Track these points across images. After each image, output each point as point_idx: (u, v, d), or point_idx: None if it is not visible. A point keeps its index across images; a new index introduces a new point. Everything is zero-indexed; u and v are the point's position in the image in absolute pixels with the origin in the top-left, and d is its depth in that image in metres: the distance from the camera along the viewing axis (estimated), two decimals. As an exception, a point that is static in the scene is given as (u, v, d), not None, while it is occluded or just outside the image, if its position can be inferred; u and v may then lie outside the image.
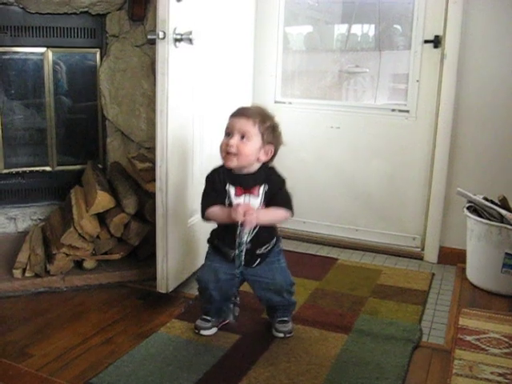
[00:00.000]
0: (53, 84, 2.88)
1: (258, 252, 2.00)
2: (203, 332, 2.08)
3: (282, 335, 2.08)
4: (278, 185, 1.97)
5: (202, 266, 2.12)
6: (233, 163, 1.91)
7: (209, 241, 2.10)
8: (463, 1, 2.66)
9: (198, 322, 2.10)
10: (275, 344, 2.03)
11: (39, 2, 2.67)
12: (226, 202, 1.94)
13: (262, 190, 1.94)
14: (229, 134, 1.91)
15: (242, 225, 1.86)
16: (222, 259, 2.03)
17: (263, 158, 1.95)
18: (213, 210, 1.95)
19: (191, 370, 1.84)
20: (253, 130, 1.89)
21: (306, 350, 2.00)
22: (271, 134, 1.94)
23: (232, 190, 1.94)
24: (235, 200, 1.93)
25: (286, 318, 2.11)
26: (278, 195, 1.95)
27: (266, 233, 1.99)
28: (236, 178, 1.95)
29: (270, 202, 1.94)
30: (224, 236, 1.99)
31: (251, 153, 1.91)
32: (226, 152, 1.90)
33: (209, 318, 2.10)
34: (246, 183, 1.94)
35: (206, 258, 2.11)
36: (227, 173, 1.96)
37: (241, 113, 1.93)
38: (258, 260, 2.02)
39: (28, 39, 2.76)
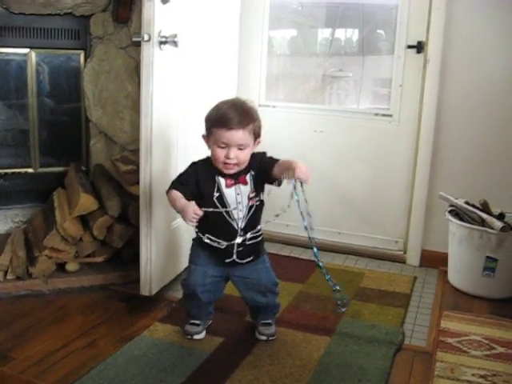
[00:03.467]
0: (36, 85, 2.86)
1: (248, 236, 1.98)
2: (196, 336, 2.07)
3: (264, 338, 2.08)
4: (259, 158, 1.99)
5: (188, 270, 2.11)
6: (233, 171, 1.93)
7: (195, 240, 2.09)
8: (446, 7, 2.69)
9: (189, 328, 2.09)
10: (258, 347, 2.03)
11: (23, 2, 2.64)
12: (215, 193, 1.94)
13: (249, 176, 1.96)
14: (224, 146, 1.90)
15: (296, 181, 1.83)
16: (208, 261, 2.02)
17: (253, 150, 1.98)
18: (177, 194, 1.93)
19: (175, 373, 1.83)
20: (248, 137, 1.91)
21: (289, 352, 2.00)
22: (259, 127, 1.96)
23: (222, 181, 1.95)
24: (226, 191, 1.95)
25: (269, 321, 2.11)
26: (266, 159, 1.99)
27: (255, 218, 2.01)
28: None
29: (265, 171, 1.96)
30: (214, 229, 1.98)
31: (248, 157, 1.95)
32: (224, 163, 1.91)
33: (198, 321, 2.10)
34: (234, 174, 1.95)
35: (190, 262, 2.09)
36: (215, 166, 1.96)
37: (234, 124, 1.87)
38: (251, 257, 2.02)
39: (11, 40, 2.73)
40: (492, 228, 2.47)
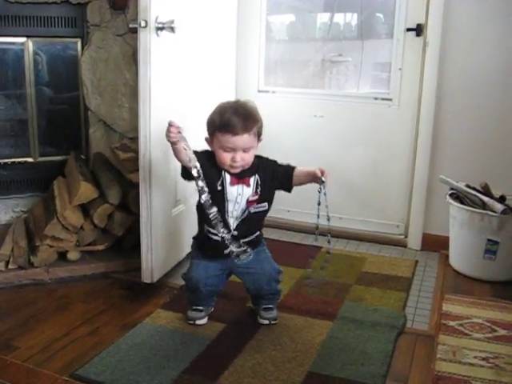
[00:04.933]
0: (34, 74, 2.84)
1: (242, 241, 2.01)
2: (199, 322, 2.08)
3: (266, 322, 2.09)
4: (272, 166, 2.03)
5: (190, 265, 2.12)
6: (238, 170, 1.95)
7: (195, 239, 2.12)
8: (445, -11, 2.67)
9: (191, 314, 2.09)
10: (261, 332, 2.04)
11: (19, -10, 2.63)
12: (218, 186, 1.95)
13: (253, 180, 1.97)
14: (230, 150, 1.91)
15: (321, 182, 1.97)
16: (210, 256, 2.04)
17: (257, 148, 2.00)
18: (182, 148, 1.92)
19: (177, 359, 1.84)
20: (253, 140, 1.94)
21: (291, 337, 2.01)
22: (261, 127, 1.98)
23: (228, 177, 1.95)
24: (229, 188, 1.95)
25: (270, 306, 2.12)
26: (279, 169, 2.03)
27: (254, 224, 2.04)
28: None
29: (283, 181, 2.02)
30: (211, 221, 1.98)
31: (253, 156, 1.97)
32: (230, 165, 1.92)
33: (200, 307, 2.10)
34: (240, 173, 1.96)
35: (192, 257, 2.12)
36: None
37: (240, 129, 1.89)
38: (247, 249, 2.03)
39: (8, 29, 2.71)
40: (493, 211, 2.46)
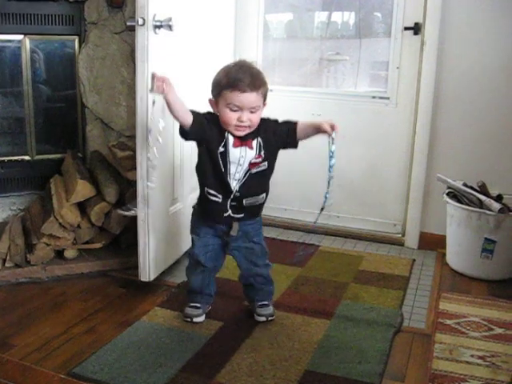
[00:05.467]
0: (31, 72, 2.84)
1: (244, 202, 1.99)
2: (196, 319, 2.08)
3: (263, 319, 2.10)
4: (272, 127, 1.99)
5: (191, 241, 2.12)
6: (244, 133, 1.92)
7: (195, 208, 2.11)
8: (442, -13, 2.67)
9: (189, 311, 2.10)
10: (258, 330, 2.04)
11: (16, -12, 2.63)
12: (221, 147, 1.93)
13: (255, 142, 1.95)
14: (236, 109, 1.88)
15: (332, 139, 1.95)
16: (208, 231, 2.04)
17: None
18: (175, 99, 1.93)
19: (174, 357, 1.84)
20: (260, 100, 1.91)
21: (288, 335, 2.01)
22: (267, 89, 1.96)
23: (231, 138, 1.93)
24: (232, 149, 1.93)
25: (266, 302, 2.13)
26: (281, 128, 2.00)
27: (256, 184, 2.00)
28: None
29: (287, 138, 2.00)
30: (212, 183, 1.97)
31: (259, 119, 1.94)
32: (236, 125, 1.90)
33: (198, 304, 2.10)
34: (242, 136, 1.94)
35: (192, 232, 2.11)
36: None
37: (248, 87, 1.86)
38: (244, 214, 2.01)
39: (5, 26, 2.70)
40: (490, 210, 2.46)
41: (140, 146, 2.20)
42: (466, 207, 2.54)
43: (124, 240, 2.61)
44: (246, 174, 1.96)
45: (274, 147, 1.99)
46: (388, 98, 2.96)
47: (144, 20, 2.06)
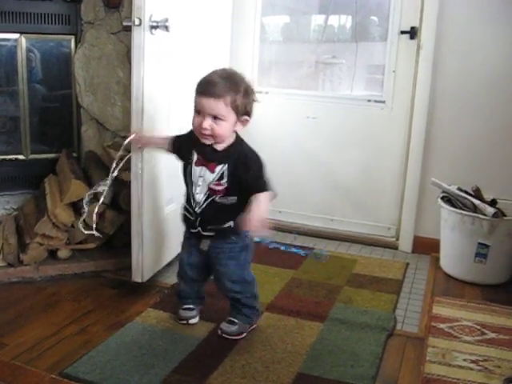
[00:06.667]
0: (26, 71, 2.82)
1: (208, 227, 1.93)
2: (192, 321, 2.07)
3: (219, 332, 2.00)
4: (249, 170, 1.86)
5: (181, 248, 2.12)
6: (209, 141, 1.86)
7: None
8: (439, -8, 2.68)
9: (183, 313, 2.08)
10: (251, 332, 2.03)
11: (12, -14, 2.62)
12: (188, 165, 1.92)
13: (219, 168, 1.87)
14: (199, 112, 1.83)
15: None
16: (189, 243, 2.03)
17: (240, 128, 1.89)
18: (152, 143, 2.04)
19: (167, 358, 1.83)
20: (225, 110, 1.80)
21: (281, 338, 2.01)
22: (246, 103, 1.84)
23: (195, 157, 1.91)
24: (194, 167, 1.90)
25: (235, 320, 2.01)
26: (249, 181, 1.85)
27: (220, 214, 1.91)
28: (202, 148, 1.89)
29: (243, 188, 1.85)
30: (186, 198, 1.97)
31: (226, 132, 1.84)
32: (200, 131, 1.84)
33: (191, 306, 2.09)
34: (208, 156, 1.88)
35: (183, 239, 2.10)
36: (197, 139, 1.89)
37: (209, 92, 1.79)
38: (214, 233, 1.94)
39: (0, 25, 2.69)
40: (484, 214, 2.47)
41: (135, 147, 2.19)
42: (460, 211, 2.54)
43: (117, 241, 2.61)
44: (208, 198, 1.90)
45: (240, 184, 1.87)
46: (383, 102, 2.97)
47: (140, 20, 2.06)
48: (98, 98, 2.88)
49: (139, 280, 2.31)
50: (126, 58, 2.82)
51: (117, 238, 2.60)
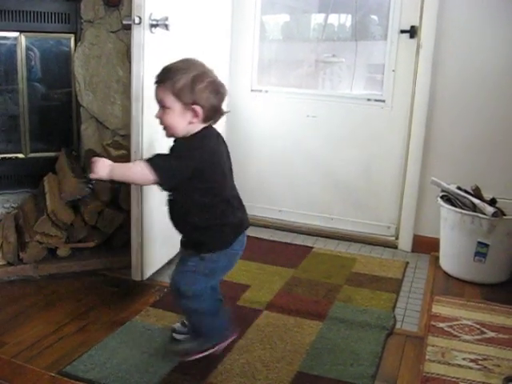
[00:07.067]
0: (26, 69, 2.82)
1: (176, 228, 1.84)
2: (176, 336, 1.95)
3: (162, 351, 1.88)
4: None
5: None
6: (167, 135, 1.75)
7: None
8: (439, -9, 2.68)
9: (176, 326, 1.99)
10: (250, 331, 2.03)
11: (12, -15, 2.62)
12: None
13: None
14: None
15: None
16: None
17: (195, 120, 1.70)
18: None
19: (166, 357, 1.83)
20: (168, 97, 1.68)
21: (281, 337, 2.01)
22: (189, 92, 1.67)
23: None
24: None
25: (180, 338, 1.93)
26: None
27: (173, 213, 1.81)
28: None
29: None
30: None
31: (175, 122, 1.70)
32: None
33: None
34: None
35: None
36: None
37: (156, 79, 1.71)
38: (185, 239, 1.87)
39: (0, 23, 2.69)
40: (484, 213, 2.47)
41: (134, 145, 2.19)
42: (460, 210, 2.54)
43: (117, 239, 2.60)
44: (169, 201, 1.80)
45: None
46: (383, 101, 2.97)
47: (140, 19, 2.06)
48: (98, 97, 2.88)
49: (139, 279, 2.31)
50: (125, 56, 2.82)
51: (116, 237, 2.60)
